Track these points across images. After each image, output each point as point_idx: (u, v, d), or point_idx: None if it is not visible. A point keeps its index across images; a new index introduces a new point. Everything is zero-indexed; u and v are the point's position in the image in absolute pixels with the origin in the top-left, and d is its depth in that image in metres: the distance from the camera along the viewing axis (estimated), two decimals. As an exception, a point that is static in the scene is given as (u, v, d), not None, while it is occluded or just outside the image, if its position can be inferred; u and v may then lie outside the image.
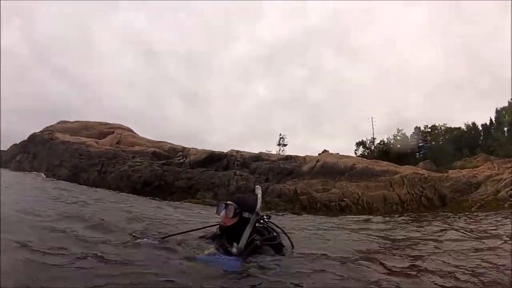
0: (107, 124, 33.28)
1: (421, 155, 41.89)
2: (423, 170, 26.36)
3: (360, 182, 23.39)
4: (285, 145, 48.58)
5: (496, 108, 41.90)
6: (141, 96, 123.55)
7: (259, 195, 3.19)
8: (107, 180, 23.09)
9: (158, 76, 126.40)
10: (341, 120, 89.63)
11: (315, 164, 25.67)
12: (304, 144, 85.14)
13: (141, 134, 32.53)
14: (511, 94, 46.62)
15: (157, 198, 18.11)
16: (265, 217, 3.24)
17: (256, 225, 3.05)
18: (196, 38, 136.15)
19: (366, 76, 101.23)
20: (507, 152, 30.76)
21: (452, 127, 43.92)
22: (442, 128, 44.64)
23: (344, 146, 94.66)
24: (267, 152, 33.58)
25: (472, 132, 41.80)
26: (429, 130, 44.99)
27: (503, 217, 11.13)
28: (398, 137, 45.24)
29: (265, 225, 3.24)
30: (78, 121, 34.00)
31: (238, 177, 23.34)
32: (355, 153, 44.88)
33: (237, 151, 27.86)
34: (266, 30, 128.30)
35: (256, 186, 3.44)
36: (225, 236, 3.00)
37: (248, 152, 28.19)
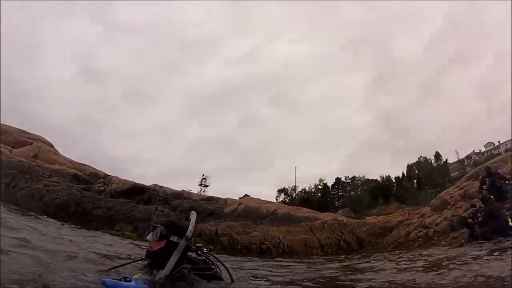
0: (26, 133, 28.70)
1: (340, 203, 43.73)
2: (343, 217, 27.21)
3: (281, 227, 23.24)
4: (206, 185, 48.28)
5: (408, 164, 47.11)
6: (71, 113, 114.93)
7: (192, 220, 2.82)
8: (16, 197, 19.83)
9: (93, 96, 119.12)
10: (267, 167, 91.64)
11: (237, 207, 25.20)
12: (227, 188, 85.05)
13: (62, 153, 29.14)
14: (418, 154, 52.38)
15: (73, 225, 16.17)
16: (204, 249, 2.98)
17: (190, 254, 2.79)
18: (144, 65, 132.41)
19: (299, 128, 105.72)
20: (416, 200, 33.48)
21: (370, 179, 46.76)
22: (361, 180, 47.26)
23: (267, 193, 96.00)
24: (188, 190, 32.64)
25: (387, 183, 45.09)
26: (349, 181, 47.47)
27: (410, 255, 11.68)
28: (319, 187, 47.09)
29: (202, 257, 2.94)
30: None
31: (159, 213, 21.96)
32: (276, 199, 45.69)
33: (160, 186, 26.43)
34: (213, 70, 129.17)
35: (192, 212, 2.96)
36: (153, 263, 2.68)
37: (171, 189, 26.91)
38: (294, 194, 47.33)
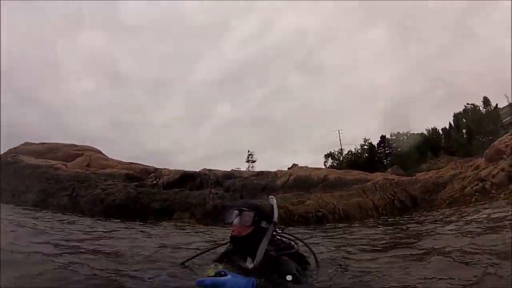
0: (74, 146, 31.57)
1: (388, 161, 43.22)
2: (393, 176, 27.20)
3: (334, 193, 23.76)
4: (254, 161, 49.39)
5: (454, 113, 44.91)
6: (104, 119, 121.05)
7: (275, 205, 2.72)
8: (80, 205, 21.97)
9: (121, 99, 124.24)
10: (306, 135, 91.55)
11: (288, 178, 25.94)
12: (272, 161, 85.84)
13: (109, 156, 31.56)
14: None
15: (139, 222, 17.61)
16: (278, 229, 2.75)
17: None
18: (160, 61, 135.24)
19: (328, 93, 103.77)
20: (467, 151, 32.44)
21: (415, 133, 45.70)
22: (406, 135, 46.31)
23: (310, 160, 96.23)
24: (235, 169, 33.77)
25: (434, 136, 43.80)
26: (394, 137, 46.66)
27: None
28: (365, 147, 46.70)
29: (278, 236, 2.76)
30: (43, 143, 32.01)
31: (213, 196, 23.16)
32: (325, 165, 46.19)
33: (209, 170, 27.68)
34: (229, 52, 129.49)
35: (270, 196, 2.83)
36: (237, 250, 2.56)
37: (220, 170, 28.13)
38: (341, 157, 47.37)
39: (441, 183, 22.87)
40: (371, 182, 24.68)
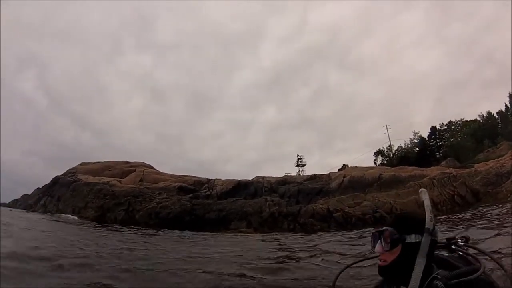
0: (128, 162, 33.81)
1: (441, 154, 41.49)
2: (450, 169, 26.32)
3: (390, 191, 23.52)
4: (303, 165, 49.02)
5: (509, 93, 41.18)
6: (151, 134, 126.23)
7: (427, 202, 1.77)
8: (135, 218, 23.47)
9: (166, 114, 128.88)
10: (351, 133, 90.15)
11: (343, 180, 25.98)
12: (320, 162, 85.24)
13: (160, 170, 33.04)
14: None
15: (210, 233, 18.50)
16: (459, 240, 1.88)
17: (438, 252, 1.81)
18: (200, 73, 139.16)
19: (370, 87, 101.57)
20: (530, 134, 30.48)
21: (468, 120, 43.56)
22: (458, 123, 44.37)
23: (359, 159, 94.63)
24: (287, 174, 34.14)
25: (489, 121, 41.20)
26: (446, 127, 44.84)
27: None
28: (415, 141, 45.24)
29: (458, 252, 1.86)
30: (99, 162, 34.53)
31: (269, 203, 23.65)
32: (375, 163, 45.16)
33: (263, 177, 28.28)
34: (267, 56, 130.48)
35: (421, 190, 1.87)
36: (389, 281, 1.89)
37: (274, 177, 28.65)
38: (391, 153, 46.23)
39: (504, 173, 21.89)
40: (427, 177, 24.20)
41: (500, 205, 15.99)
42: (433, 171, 25.94)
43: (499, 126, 40.20)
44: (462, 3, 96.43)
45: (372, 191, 24.15)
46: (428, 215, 1.70)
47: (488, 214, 14.06)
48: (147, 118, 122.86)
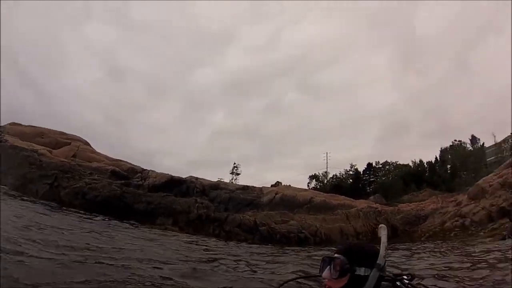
0: (64, 134, 30.22)
1: (371, 189, 43.76)
2: (377, 205, 27.61)
3: (318, 215, 23.99)
4: (238, 174, 49.37)
5: (441, 148, 46.45)
6: (98, 112, 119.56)
7: (384, 239, 1.74)
8: (60, 195, 21.38)
9: (119, 95, 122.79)
10: (293, 152, 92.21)
11: (274, 196, 26.13)
12: (255, 174, 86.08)
13: (96, 150, 30.93)
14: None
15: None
16: (404, 277, 1.73)
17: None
18: (163, 61, 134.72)
19: (322, 113, 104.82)
20: (449, 187, 33.18)
21: (402, 163, 46.66)
22: (393, 164, 47.11)
23: (293, 179, 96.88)
24: (220, 180, 33.91)
25: (419, 168, 44.53)
26: (381, 166, 47.40)
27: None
28: (351, 172, 47.33)
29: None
30: (32, 126, 30.47)
31: (199, 205, 23.14)
32: (308, 185, 46.48)
33: (197, 178, 27.61)
34: (234, 59, 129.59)
35: (380, 225, 1.87)
36: None
37: (207, 180, 28.12)
38: (326, 180, 47.90)
39: (422, 215, 23.33)
40: (355, 208, 25.06)
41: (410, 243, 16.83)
42: (361, 203, 27.05)
43: (426, 174, 43.37)
44: (424, 58, 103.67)
45: (301, 212, 24.49)
46: (382, 251, 1.67)
47: (400, 250, 14.71)
48: (97, 93, 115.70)
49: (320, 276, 1.74)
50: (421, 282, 2.03)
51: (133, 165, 28.34)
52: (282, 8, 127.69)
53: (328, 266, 1.70)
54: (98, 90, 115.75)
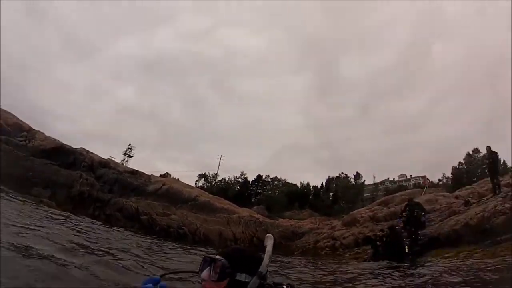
0: None
1: (256, 199, 45.03)
2: (259, 215, 28.26)
3: (200, 215, 23.59)
4: (130, 156, 47.01)
5: (329, 176, 50.16)
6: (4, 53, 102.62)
7: (269, 248, 1.72)
8: None
9: (34, 38, 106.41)
10: (191, 147, 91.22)
11: (161, 187, 25.07)
12: (147, 160, 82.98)
13: None
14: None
15: None
16: (283, 286, 1.68)
17: None
18: (91, 14, 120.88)
19: (229, 116, 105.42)
20: (328, 212, 35.91)
21: (290, 182, 49.07)
22: (282, 181, 49.19)
23: (183, 174, 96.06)
24: (111, 158, 31.79)
25: (305, 190, 47.19)
26: (270, 180, 49.16)
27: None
28: (240, 180, 48.26)
29: None
30: None
31: (83, 181, 21.05)
32: (196, 183, 46.02)
33: (87, 152, 25.24)
34: (161, 40, 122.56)
35: (268, 234, 1.82)
36: None
37: (98, 156, 25.93)
38: (214, 182, 48.07)
39: (299, 232, 24.41)
40: (237, 215, 25.26)
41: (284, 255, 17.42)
42: (244, 211, 27.42)
43: (310, 197, 46.27)
44: (337, 96, 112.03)
45: (184, 208, 23.86)
46: (266, 259, 1.65)
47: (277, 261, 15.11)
48: (14, 31, 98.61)
49: (199, 274, 1.68)
50: None
51: (22, 121, 24.73)
52: (227, 8, 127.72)
53: (208, 267, 1.65)
54: (15, 28, 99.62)
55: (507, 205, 12.18)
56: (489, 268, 8.09)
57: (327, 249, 18.90)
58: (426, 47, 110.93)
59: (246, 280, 1.60)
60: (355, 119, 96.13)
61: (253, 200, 44.96)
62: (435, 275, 8.21)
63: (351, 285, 8.49)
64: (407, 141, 79.86)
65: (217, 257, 1.64)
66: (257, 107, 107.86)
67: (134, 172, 26.84)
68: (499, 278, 7.21)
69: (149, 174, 27.94)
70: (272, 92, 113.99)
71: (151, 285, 1.44)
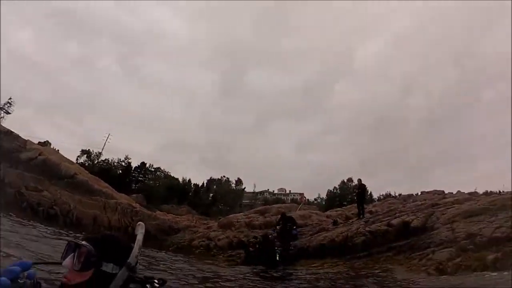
0: None
1: (137, 187, 43.83)
2: (137, 204, 27.64)
3: (75, 195, 22.17)
4: (8, 113, 40.99)
5: (210, 177, 51.14)
6: None
7: (140, 237, 1.60)
8: None
9: None
10: (81, 118, 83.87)
11: (37, 156, 22.94)
12: (28, 122, 73.46)
13: None
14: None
15: None
16: (155, 281, 1.61)
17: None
18: None
19: (132, 95, 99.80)
20: (207, 212, 37.13)
21: (173, 176, 48.79)
22: (164, 173, 48.66)
23: (66, 146, 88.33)
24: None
25: (186, 187, 47.32)
26: (153, 170, 48.23)
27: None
28: (123, 164, 46.39)
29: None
30: None
31: None
32: (77, 159, 42.73)
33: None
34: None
35: (139, 223, 1.70)
36: None
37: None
38: (96, 161, 45.37)
39: (175, 228, 24.58)
40: (115, 201, 24.34)
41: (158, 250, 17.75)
42: (122, 198, 26.54)
43: (190, 194, 46.64)
44: (244, 100, 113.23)
45: (60, 185, 22.11)
46: (135, 250, 1.53)
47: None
48: None
49: (61, 264, 1.50)
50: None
51: None
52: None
53: (72, 254, 1.48)
54: None
55: (367, 229, 14.68)
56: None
57: (201, 248, 19.41)
58: (331, 83, 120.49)
59: (114, 272, 1.48)
60: (249, 129, 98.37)
61: (133, 187, 43.61)
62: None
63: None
64: (292, 160, 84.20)
65: (83, 242, 1.49)
66: (157, 93, 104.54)
67: (9, 133, 23.88)
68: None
69: (26, 138, 25.14)
70: (176, 82, 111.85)
71: (18, 267, 1.24)
